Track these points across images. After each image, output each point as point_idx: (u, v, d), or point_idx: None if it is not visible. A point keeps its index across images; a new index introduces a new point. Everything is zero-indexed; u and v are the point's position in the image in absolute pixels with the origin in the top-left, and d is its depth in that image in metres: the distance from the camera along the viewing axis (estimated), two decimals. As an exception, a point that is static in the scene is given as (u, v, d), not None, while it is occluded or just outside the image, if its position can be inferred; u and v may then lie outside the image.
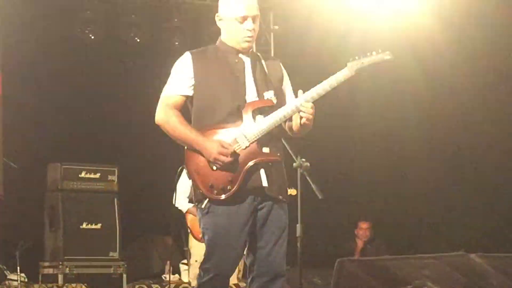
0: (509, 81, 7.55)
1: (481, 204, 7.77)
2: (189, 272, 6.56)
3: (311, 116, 3.48)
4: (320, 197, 4.21)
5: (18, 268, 6.45)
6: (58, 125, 7.88)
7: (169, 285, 7.35)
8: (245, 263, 3.75)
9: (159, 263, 8.14)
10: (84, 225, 7.17)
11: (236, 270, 6.10)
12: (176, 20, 8.36)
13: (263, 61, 3.63)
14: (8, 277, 6.75)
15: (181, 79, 3.55)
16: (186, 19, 8.35)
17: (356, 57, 3.49)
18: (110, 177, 7.43)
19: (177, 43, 8.34)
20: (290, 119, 3.55)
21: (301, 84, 3.68)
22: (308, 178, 4.18)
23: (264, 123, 3.48)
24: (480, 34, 7.37)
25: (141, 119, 8.27)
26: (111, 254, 7.23)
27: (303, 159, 3.98)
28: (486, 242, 7.10)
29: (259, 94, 3.54)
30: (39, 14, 7.43)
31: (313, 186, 4.19)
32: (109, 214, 7.31)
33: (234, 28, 3.54)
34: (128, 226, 7.51)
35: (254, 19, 3.54)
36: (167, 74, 3.63)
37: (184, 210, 6.22)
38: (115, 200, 7.36)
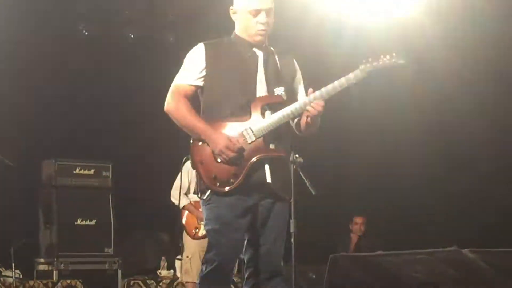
0: (503, 76, 7.56)
1: (475, 199, 7.79)
2: (180, 267, 6.58)
3: (315, 114, 3.47)
4: (313, 192, 4.23)
5: (13, 264, 6.45)
6: (52, 121, 7.87)
7: (164, 281, 7.37)
8: (239, 259, 3.76)
9: (154, 258, 8.14)
10: (78, 221, 7.18)
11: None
12: (170, 16, 8.36)
13: (276, 57, 3.62)
14: (2, 273, 6.75)
15: (193, 69, 3.55)
16: (180, 14, 8.34)
17: (370, 59, 3.48)
18: (104, 173, 7.43)
19: (171, 39, 8.34)
20: (299, 117, 3.55)
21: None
22: (301, 173, 4.19)
23: (272, 119, 3.48)
24: (473, 29, 7.38)
25: (135, 115, 8.30)
26: (106, 250, 7.23)
27: (297, 155, 3.99)
28: (479, 237, 7.12)
29: (270, 90, 3.54)
30: (32, 9, 7.41)
31: (306, 181, 4.20)
32: (104, 210, 7.32)
33: (247, 21, 3.54)
34: (123, 222, 7.51)
35: (268, 12, 3.54)
36: (162, 70, 3.64)
37: (180, 206, 6.24)
38: (110, 196, 7.37)
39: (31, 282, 6.67)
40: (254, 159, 3.45)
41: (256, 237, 3.53)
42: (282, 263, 3.60)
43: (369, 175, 8.52)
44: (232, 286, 6.75)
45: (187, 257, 6.10)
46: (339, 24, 7.58)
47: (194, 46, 3.64)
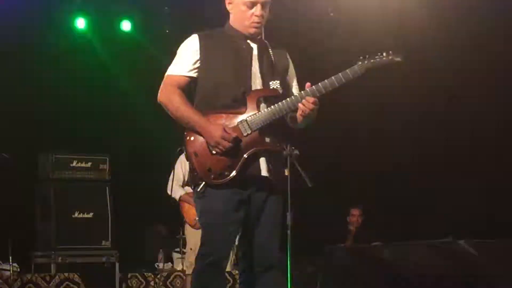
0: (498, 70, 7.57)
1: (470, 190, 7.80)
2: (185, 260, 6.58)
3: (308, 111, 3.45)
4: (310, 185, 4.23)
5: (10, 258, 6.45)
6: (49, 114, 7.86)
7: (162, 274, 7.38)
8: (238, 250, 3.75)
9: (152, 251, 8.15)
10: (76, 214, 7.17)
11: (232, 257, 6.12)
12: (166, 8, 8.35)
13: (270, 50, 3.59)
14: (0, 267, 6.75)
15: (186, 60, 3.52)
16: (176, 6, 8.33)
17: (367, 56, 3.46)
18: (101, 166, 7.42)
19: (167, 30, 8.33)
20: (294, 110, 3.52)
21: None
22: (298, 166, 4.19)
23: (268, 112, 3.45)
24: (469, 24, 7.38)
25: (132, 107, 8.31)
26: (103, 243, 7.22)
27: (293, 147, 3.99)
28: (476, 228, 7.14)
29: (265, 83, 3.52)
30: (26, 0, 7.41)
31: (303, 174, 4.20)
32: (101, 203, 7.30)
33: (242, 13, 3.51)
34: (120, 215, 7.51)
35: (263, 5, 3.51)
36: (159, 62, 3.61)
37: (177, 198, 6.24)
38: (107, 189, 7.35)
39: (29, 276, 6.66)
40: (249, 152, 3.44)
41: (250, 230, 3.51)
42: (277, 256, 3.58)
43: (366, 167, 8.52)
44: (230, 279, 6.80)
45: (191, 249, 6.10)
46: (336, 18, 7.58)
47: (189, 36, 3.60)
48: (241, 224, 3.50)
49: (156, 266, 7.66)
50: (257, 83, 3.52)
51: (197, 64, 3.52)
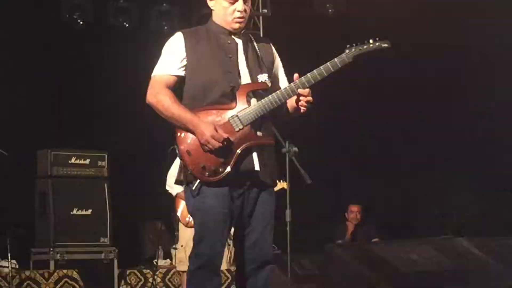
0: (490, 65, 7.58)
1: (469, 187, 7.80)
2: (175, 256, 6.56)
3: (311, 99, 3.43)
4: (308, 182, 4.23)
5: (9, 254, 6.44)
6: (47, 111, 7.85)
7: (161, 270, 7.38)
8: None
9: (150, 248, 8.14)
10: (74, 211, 7.16)
11: (228, 255, 6.10)
12: (164, 4, 8.33)
13: (255, 43, 3.58)
14: (-1, 264, 6.75)
15: (172, 59, 3.49)
16: (174, 3, 8.31)
17: (354, 44, 3.43)
18: (100, 163, 7.41)
19: (166, 27, 8.32)
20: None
21: (291, 68, 3.65)
22: (296, 163, 4.19)
23: (259, 106, 3.43)
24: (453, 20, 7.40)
25: (130, 104, 8.27)
26: (102, 239, 7.22)
27: (292, 144, 3.99)
28: (474, 225, 7.14)
29: (253, 77, 3.49)
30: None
31: (301, 171, 4.20)
32: (100, 199, 7.29)
33: (224, 9, 3.49)
34: (119, 211, 7.50)
35: (245, 0, 3.51)
36: (156, 59, 3.59)
37: (174, 194, 6.22)
38: (106, 185, 7.34)
39: (27, 272, 6.66)
40: (242, 147, 3.42)
41: (243, 227, 3.49)
42: (271, 252, 3.56)
43: (364, 163, 8.52)
44: (228, 276, 6.80)
45: (182, 246, 6.09)
46: (334, 13, 7.57)
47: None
48: (235, 220, 3.48)
49: (154, 262, 7.66)
50: (245, 78, 3.49)
51: (184, 62, 3.49)
